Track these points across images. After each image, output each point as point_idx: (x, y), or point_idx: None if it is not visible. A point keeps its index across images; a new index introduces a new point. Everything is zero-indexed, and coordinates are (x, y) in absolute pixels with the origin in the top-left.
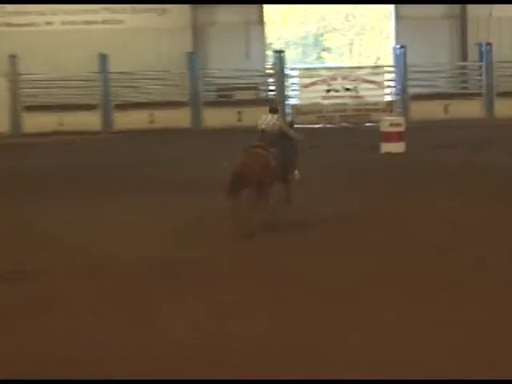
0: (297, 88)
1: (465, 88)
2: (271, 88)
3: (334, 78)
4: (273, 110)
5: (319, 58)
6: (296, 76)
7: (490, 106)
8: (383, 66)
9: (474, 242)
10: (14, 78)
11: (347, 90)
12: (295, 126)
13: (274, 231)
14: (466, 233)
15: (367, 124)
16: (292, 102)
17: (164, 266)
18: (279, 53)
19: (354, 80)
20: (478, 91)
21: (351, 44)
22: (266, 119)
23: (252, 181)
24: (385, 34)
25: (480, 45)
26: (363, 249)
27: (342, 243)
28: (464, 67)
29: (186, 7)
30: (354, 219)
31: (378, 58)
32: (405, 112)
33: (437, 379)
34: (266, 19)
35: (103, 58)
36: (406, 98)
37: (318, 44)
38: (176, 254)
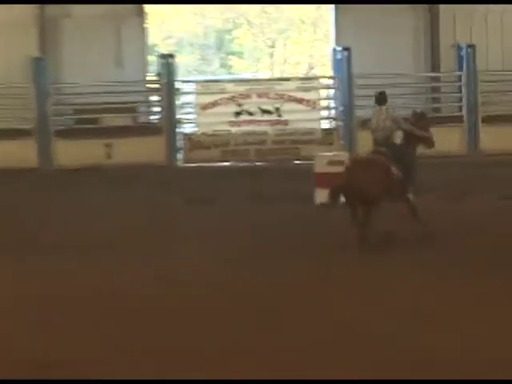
0: (192, 110)
1: (437, 110)
2: (155, 109)
3: (246, 96)
4: (381, 100)
5: (225, 65)
6: (191, 92)
7: (472, 136)
8: (318, 78)
9: None
10: None
11: (266, 112)
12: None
13: None
14: None
15: (295, 162)
16: (185, 130)
17: None
18: (167, 58)
19: (277, 98)
20: (456, 114)
21: (272, 46)
22: (375, 115)
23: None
24: (321, 33)
25: (458, 47)
26: None
27: None
28: (435, 79)
29: None
30: None
31: (311, 67)
32: (350, 144)
33: (436, 379)
34: (146, 9)
35: None
36: (351, 123)
37: (223, 46)
38: None
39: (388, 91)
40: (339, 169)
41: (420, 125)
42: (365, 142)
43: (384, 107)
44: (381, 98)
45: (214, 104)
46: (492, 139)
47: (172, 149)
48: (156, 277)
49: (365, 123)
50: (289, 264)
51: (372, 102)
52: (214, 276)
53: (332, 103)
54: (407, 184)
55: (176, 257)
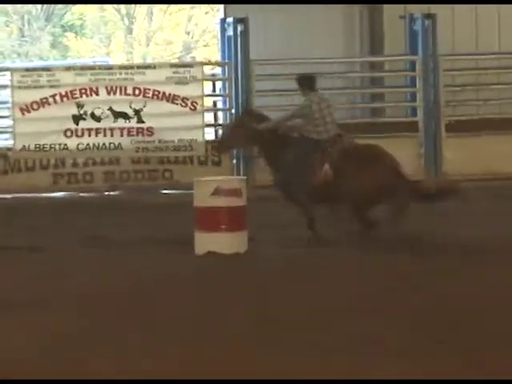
0: (7, 113)
1: (380, 113)
2: None
3: (90, 91)
4: (314, 83)
5: (58, 46)
6: (5, 85)
7: (432, 152)
8: (200, 65)
9: None
10: None
11: (120, 116)
12: None
13: None
14: None
15: (165, 191)
16: None
17: None
18: None
19: (137, 95)
20: (408, 119)
21: (129, 17)
22: (315, 104)
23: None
24: None
25: (411, 19)
26: None
27: None
28: (376, 67)
29: None
30: None
31: (189, 49)
32: (246, 164)
33: (437, 379)
34: None
35: None
36: None
37: (53, 16)
38: None
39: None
40: (231, 201)
41: None
42: None
43: (319, 92)
44: (313, 81)
45: (42, 104)
46: (460, 156)
47: None
48: None
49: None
50: None
51: (278, 100)
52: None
53: (220, 102)
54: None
55: None
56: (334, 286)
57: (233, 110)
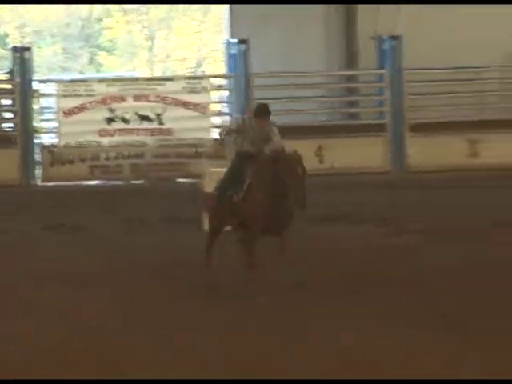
0: (53, 116)
1: (354, 116)
2: (6, 116)
3: (120, 99)
4: (263, 113)
5: (94, 62)
6: (52, 94)
7: (398, 149)
8: (209, 77)
9: None
10: None
11: (144, 119)
12: None
13: None
14: None
15: (181, 180)
16: (43, 140)
17: None
18: (21, 52)
19: (158, 102)
20: (378, 122)
21: (151, 38)
22: (250, 129)
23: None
24: (213, 22)
25: (380, 40)
26: None
27: None
28: (352, 79)
29: None
30: None
31: (200, 64)
32: None
33: (437, 379)
34: None
35: None
36: None
37: (90, 38)
38: None
39: (294, 93)
40: None
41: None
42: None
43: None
44: (263, 111)
45: (80, 109)
46: (422, 153)
47: (28, 164)
48: None
49: None
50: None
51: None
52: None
53: (225, 108)
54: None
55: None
56: None
57: (236, 114)
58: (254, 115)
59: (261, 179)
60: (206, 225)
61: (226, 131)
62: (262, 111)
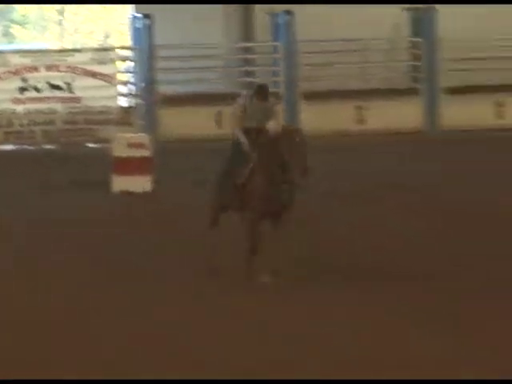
0: None
1: (251, 86)
2: None
3: (32, 69)
4: (264, 94)
5: (7, 34)
6: None
7: (291, 115)
8: (115, 49)
9: None
10: None
11: (55, 88)
12: None
13: None
14: None
15: (90, 145)
16: None
17: None
18: None
19: (68, 72)
20: (275, 90)
21: (61, 12)
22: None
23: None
24: None
25: (274, 15)
26: None
27: None
28: (249, 51)
29: None
30: None
31: (107, 36)
32: (152, 125)
33: (436, 379)
34: None
35: None
36: (152, 101)
37: (4, 12)
38: None
39: (196, 64)
40: (140, 152)
41: None
42: (168, 121)
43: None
44: (263, 93)
45: None
46: (314, 118)
47: None
48: None
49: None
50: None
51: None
52: None
53: (131, 78)
54: None
55: None
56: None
57: (141, 83)
58: (255, 95)
59: (262, 164)
60: (114, 188)
61: (241, 110)
62: (263, 92)
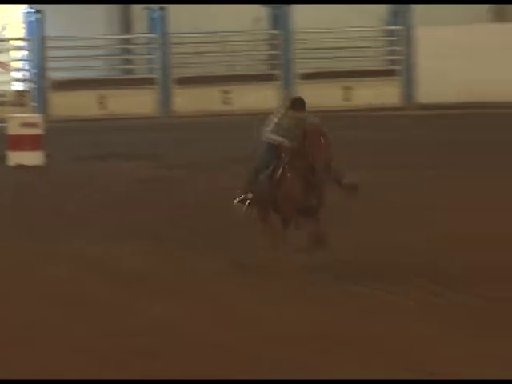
0: None
1: (129, 72)
2: None
3: None
4: (300, 106)
5: None
6: None
7: (165, 98)
8: (10, 40)
9: None
10: None
11: None
12: None
13: None
14: None
15: None
16: None
17: None
18: None
19: None
20: (150, 76)
21: None
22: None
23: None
24: None
25: (150, 10)
26: None
27: None
28: (128, 42)
29: None
30: None
31: (4, 29)
32: (43, 106)
33: (436, 379)
34: None
35: None
36: (43, 85)
37: None
38: None
39: (82, 53)
40: (32, 131)
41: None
42: (57, 103)
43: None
44: (300, 105)
45: None
46: (186, 101)
47: None
48: None
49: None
50: None
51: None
52: None
53: (25, 65)
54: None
55: None
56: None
57: (33, 70)
58: (292, 107)
59: (295, 165)
60: (10, 162)
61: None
62: (300, 104)
